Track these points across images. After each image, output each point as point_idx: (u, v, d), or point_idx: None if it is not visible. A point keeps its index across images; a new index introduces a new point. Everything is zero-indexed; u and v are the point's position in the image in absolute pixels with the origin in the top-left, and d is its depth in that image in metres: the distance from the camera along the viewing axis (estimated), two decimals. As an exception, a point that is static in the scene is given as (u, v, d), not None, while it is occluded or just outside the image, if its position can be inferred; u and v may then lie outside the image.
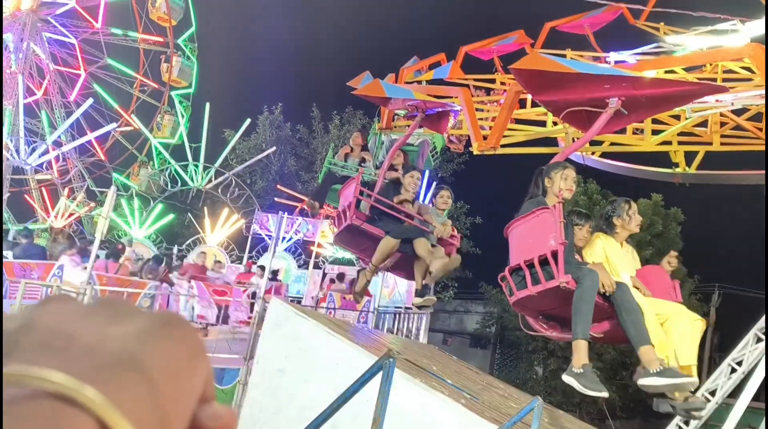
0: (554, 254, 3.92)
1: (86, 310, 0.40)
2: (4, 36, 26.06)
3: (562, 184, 4.36)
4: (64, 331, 0.37)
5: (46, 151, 23.72)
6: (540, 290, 4.00)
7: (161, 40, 31.06)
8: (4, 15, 26.04)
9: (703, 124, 7.04)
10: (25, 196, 26.87)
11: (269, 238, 19.92)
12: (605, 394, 3.83)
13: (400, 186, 6.09)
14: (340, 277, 15.25)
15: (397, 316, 13.04)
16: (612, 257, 4.59)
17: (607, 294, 3.93)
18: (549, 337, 4.71)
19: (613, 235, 4.77)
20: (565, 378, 3.94)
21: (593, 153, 8.02)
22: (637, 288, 4.36)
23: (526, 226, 4.26)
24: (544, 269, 3.99)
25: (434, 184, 6.74)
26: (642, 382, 3.83)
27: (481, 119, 8.12)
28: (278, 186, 25.49)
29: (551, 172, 4.42)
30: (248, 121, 25.67)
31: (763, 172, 6.66)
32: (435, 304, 5.92)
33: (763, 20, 6.98)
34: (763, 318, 10.51)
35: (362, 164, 7.74)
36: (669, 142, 7.11)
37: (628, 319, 3.90)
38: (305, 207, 21.50)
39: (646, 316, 4.02)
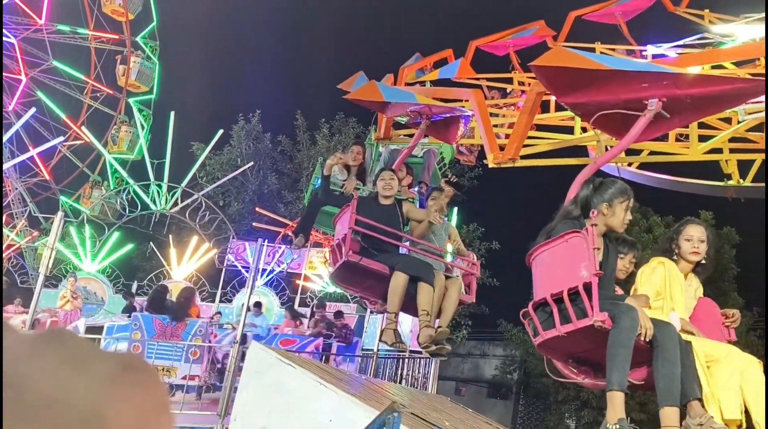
0: (587, 287, 3.88)
1: (34, 347, 0.40)
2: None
3: (626, 217, 4.35)
4: (14, 375, 0.37)
5: (-20, 171, 23.80)
6: (570, 330, 3.97)
7: (116, 37, 31.38)
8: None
9: (759, 127, 7.08)
10: (-45, 224, 26.90)
11: (246, 271, 19.91)
12: None
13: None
14: (338, 314, 15.15)
15: (400, 361, 12.99)
16: (673, 289, 4.52)
17: (644, 339, 3.90)
18: (580, 384, 4.68)
19: (676, 262, 4.69)
20: None
21: (630, 164, 8.05)
22: (689, 332, 4.34)
23: (553, 254, 4.22)
24: (575, 305, 3.95)
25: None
26: None
27: (497, 126, 8.18)
28: (257, 208, 25.55)
29: (615, 200, 4.29)
30: (220, 131, 25.80)
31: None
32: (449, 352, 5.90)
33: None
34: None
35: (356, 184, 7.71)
36: (719, 150, 7.14)
37: (662, 369, 3.86)
38: (289, 233, 21.50)
39: (696, 357, 4.01)
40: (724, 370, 4.10)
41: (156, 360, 9.28)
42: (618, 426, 3.78)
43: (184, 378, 9.45)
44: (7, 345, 0.39)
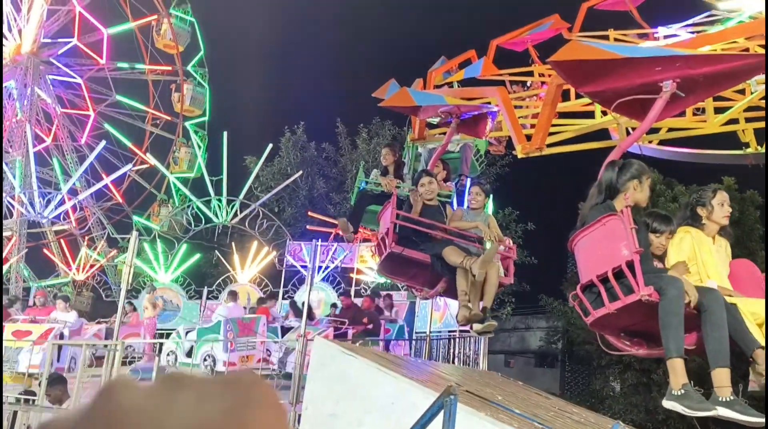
0: (630, 265, 3.82)
1: (151, 392, 0.41)
2: (5, 84, 26.98)
3: (645, 194, 4.28)
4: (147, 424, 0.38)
5: (62, 202, 24.40)
6: (619, 307, 3.91)
7: (170, 68, 31.90)
8: (4, 62, 26.98)
9: (772, 95, 6.86)
10: (44, 250, 27.66)
11: (304, 269, 20.06)
12: (715, 412, 3.67)
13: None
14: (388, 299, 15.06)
15: (452, 341, 12.94)
16: (703, 255, 4.40)
17: (691, 305, 3.81)
18: (636, 355, 4.60)
19: (702, 228, 4.58)
20: (667, 404, 3.80)
21: (650, 141, 7.87)
22: (729, 295, 4.22)
23: (593, 237, 4.16)
24: (620, 283, 3.88)
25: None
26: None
27: (522, 117, 8.07)
28: (309, 212, 25.70)
29: (642, 176, 4.25)
30: (270, 145, 26.03)
31: None
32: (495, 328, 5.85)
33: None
34: None
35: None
36: (735, 121, 6.94)
37: (712, 333, 3.76)
38: (339, 232, 21.64)
39: (744, 316, 3.90)
40: None
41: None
42: (683, 391, 3.70)
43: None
44: (130, 395, 0.40)
